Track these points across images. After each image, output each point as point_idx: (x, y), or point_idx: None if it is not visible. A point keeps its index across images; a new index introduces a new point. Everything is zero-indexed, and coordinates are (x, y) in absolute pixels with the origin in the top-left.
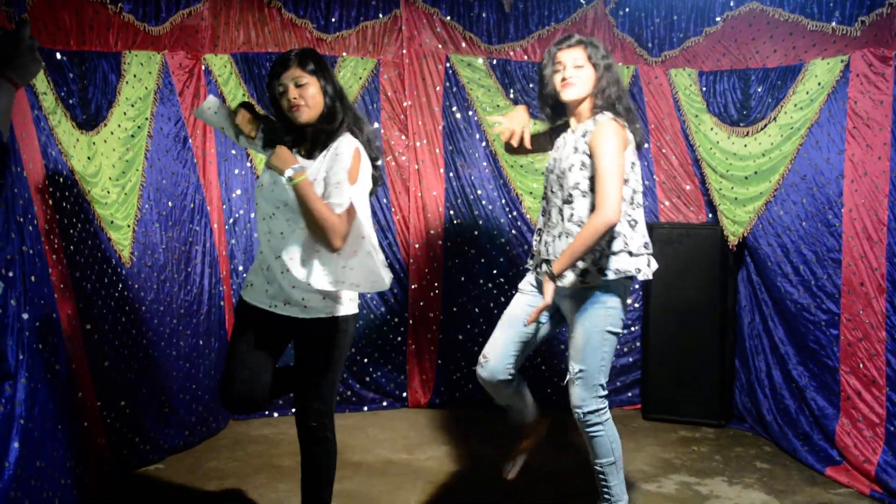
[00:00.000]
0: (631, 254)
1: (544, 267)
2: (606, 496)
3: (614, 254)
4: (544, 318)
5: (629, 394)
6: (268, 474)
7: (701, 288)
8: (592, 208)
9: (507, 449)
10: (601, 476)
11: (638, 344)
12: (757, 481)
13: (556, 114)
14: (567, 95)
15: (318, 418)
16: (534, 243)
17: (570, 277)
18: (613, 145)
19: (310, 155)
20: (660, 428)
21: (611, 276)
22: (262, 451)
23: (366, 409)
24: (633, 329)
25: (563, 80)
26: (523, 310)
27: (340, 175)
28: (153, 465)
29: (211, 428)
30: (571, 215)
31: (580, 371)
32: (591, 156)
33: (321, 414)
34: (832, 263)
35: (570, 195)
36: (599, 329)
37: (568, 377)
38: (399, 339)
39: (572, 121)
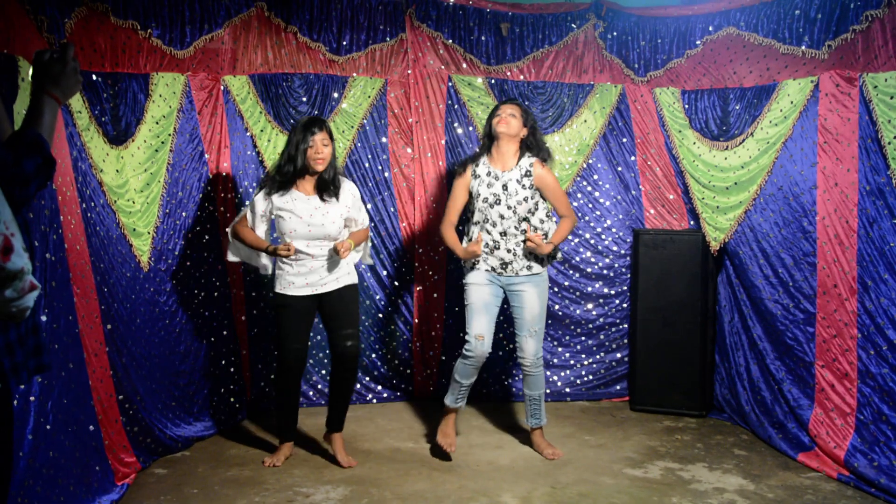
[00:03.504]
0: None
1: (521, 261)
2: (537, 416)
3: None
4: (498, 303)
5: (618, 387)
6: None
7: (684, 289)
8: (540, 214)
9: (505, 438)
10: (536, 403)
11: (626, 341)
12: (735, 467)
13: (488, 143)
14: (498, 128)
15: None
16: (483, 250)
17: (535, 268)
18: (556, 178)
19: (321, 194)
20: (646, 418)
21: (545, 267)
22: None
23: (374, 401)
24: (621, 327)
25: (499, 120)
26: (492, 298)
27: (360, 204)
28: (179, 452)
29: (231, 419)
30: (529, 227)
31: (538, 329)
32: (537, 188)
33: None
34: (808, 267)
35: (526, 217)
36: (546, 299)
37: (520, 339)
38: (405, 336)
39: (500, 161)
